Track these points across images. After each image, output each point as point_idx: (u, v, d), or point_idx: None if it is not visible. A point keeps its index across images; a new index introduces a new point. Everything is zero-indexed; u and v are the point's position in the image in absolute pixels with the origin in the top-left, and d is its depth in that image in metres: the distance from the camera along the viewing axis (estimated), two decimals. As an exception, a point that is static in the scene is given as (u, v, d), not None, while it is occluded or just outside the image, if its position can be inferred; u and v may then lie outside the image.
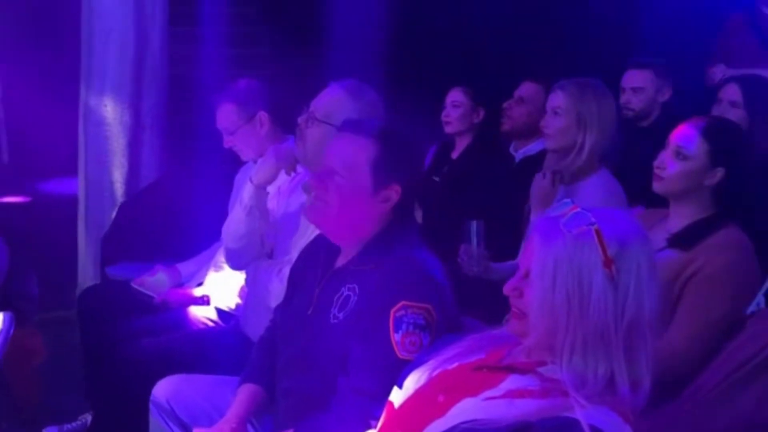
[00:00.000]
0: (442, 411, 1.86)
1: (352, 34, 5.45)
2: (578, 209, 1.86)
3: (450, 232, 3.52)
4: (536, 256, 1.85)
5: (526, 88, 4.46)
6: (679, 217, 3.00)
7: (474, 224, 3.37)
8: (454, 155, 4.49)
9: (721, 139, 2.97)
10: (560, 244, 1.83)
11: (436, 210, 4.15)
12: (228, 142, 3.70)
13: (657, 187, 3.03)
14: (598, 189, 3.43)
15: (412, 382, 2.00)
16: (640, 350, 1.84)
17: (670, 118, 4.04)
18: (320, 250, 2.60)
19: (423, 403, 1.92)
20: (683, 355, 2.81)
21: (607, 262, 1.80)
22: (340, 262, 2.51)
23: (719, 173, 2.93)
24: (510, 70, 4.95)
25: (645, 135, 4.32)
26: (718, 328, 2.83)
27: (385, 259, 2.40)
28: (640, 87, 4.55)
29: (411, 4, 5.77)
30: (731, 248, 2.91)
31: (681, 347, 2.81)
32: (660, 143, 3.08)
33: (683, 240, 2.94)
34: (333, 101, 3.12)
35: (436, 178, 4.48)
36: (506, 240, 3.54)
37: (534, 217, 3.43)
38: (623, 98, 4.57)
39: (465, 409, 1.84)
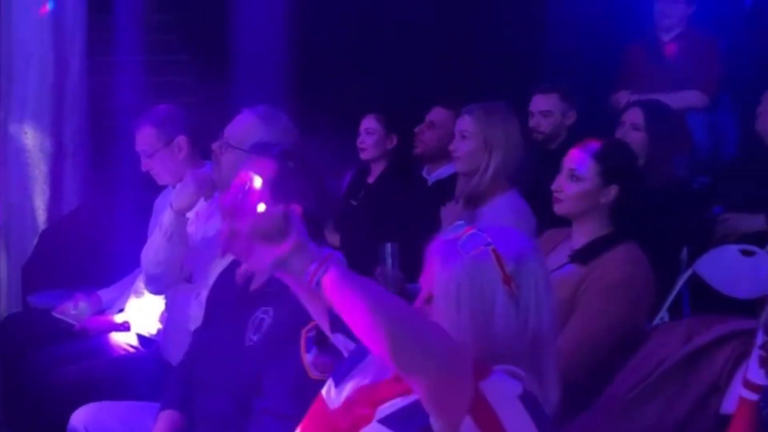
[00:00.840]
0: (367, 421, 1.85)
1: (269, 62, 5.46)
2: (473, 230, 1.86)
3: (367, 255, 3.53)
4: (437, 279, 1.85)
5: (436, 113, 4.50)
6: (581, 235, 3.08)
7: (389, 246, 3.38)
8: (370, 180, 4.52)
9: (612, 159, 3.06)
10: (459, 265, 1.82)
11: (353, 233, 4.17)
12: (146, 165, 3.66)
13: (557, 209, 3.11)
14: (506, 210, 3.48)
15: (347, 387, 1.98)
16: (545, 360, 1.87)
17: (575, 141, 4.11)
18: (233, 274, 2.59)
19: (351, 414, 1.90)
20: (577, 361, 2.86)
21: (507, 280, 1.81)
22: (255, 285, 2.50)
23: (613, 191, 3.02)
24: (422, 96, 5.00)
25: (553, 157, 4.39)
26: (611, 337, 2.90)
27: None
28: (548, 110, 4.62)
29: (325, 34, 5.81)
30: (627, 263, 2.99)
31: (575, 353, 2.86)
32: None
33: (583, 255, 3.02)
34: (245, 127, 3.14)
35: (354, 202, 4.50)
36: (421, 261, 3.56)
37: None
38: (533, 122, 4.64)
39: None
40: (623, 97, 5.18)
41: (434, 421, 1.72)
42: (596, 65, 5.64)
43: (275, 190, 2.41)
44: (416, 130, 4.45)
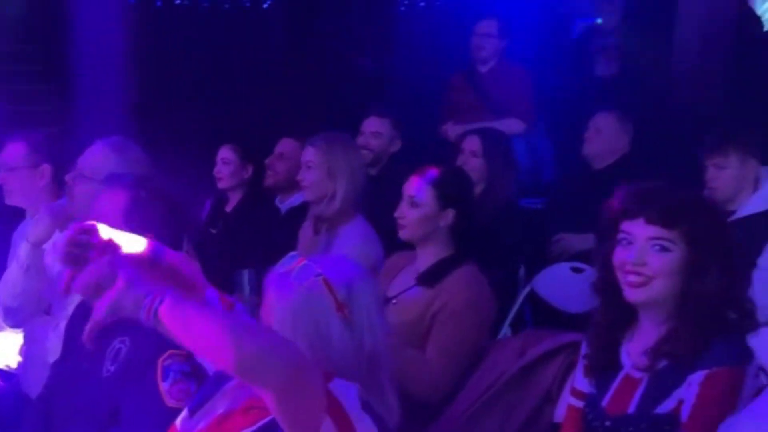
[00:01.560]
0: None
1: (126, 95, 5.41)
2: (305, 262, 1.90)
3: (226, 282, 3.54)
4: (273, 311, 1.88)
5: (285, 145, 4.51)
6: (425, 258, 3.17)
7: (245, 273, 3.39)
8: (228, 209, 4.51)
9: (447, 185, 3.17)
10: (293, 297, 1.86)
11: (212, 261, 4.15)
12: (2, 178, 3.54)
13: (402, 234, 3.20)
14: (354, 235, 3.53)
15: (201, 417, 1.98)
16: (382, 375, 1.91)
17: (394, 168, 4.21)
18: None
19: None
20: (441, 382, 2.96)
21: (340, 307, 1.86)
22: None
23: (450, 214, 3.12)
24: (274, 126, 5.03)
25: (375, 182, 4.49)
26: (466, 357, 3.00)
27: None
28: (378, 132, 4.67)
29: (182, 65, 5.79)
30: (470, 285, 3.09)
31: (438, 377, 2.95)
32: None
33: (428, 278, 3.11)
34: (98, 158, 3.10)
35: (213, 231, 4.48)
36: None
37: None
38: (361, 140, 4.63)
39: None
40: (450, 128, 5.32)
41: None
42: (431, 96, 5.79)
43: (128, 220, 2.42)
44: (267, 161, 4.46)
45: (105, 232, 1.77)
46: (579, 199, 4.67)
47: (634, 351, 2.31)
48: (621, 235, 2.28)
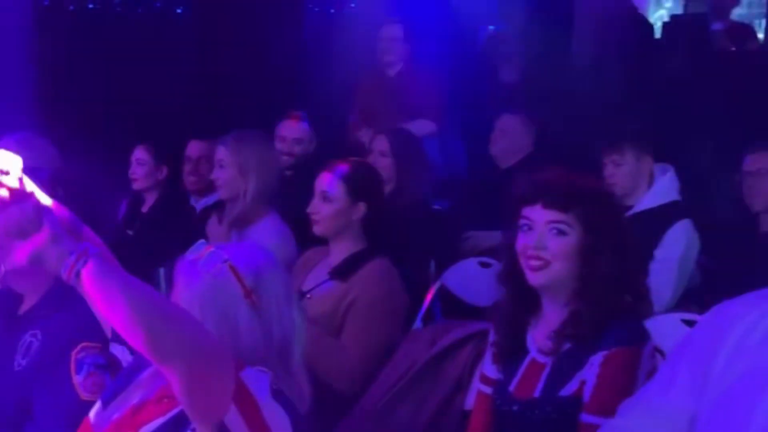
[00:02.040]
0: None
1: (38, 97, 5.28)
2: (212, 249, 1.86)
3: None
4: (182, 299, 1.84)
5: (193, 148, 4.42)
6: (338, 252, 3.17)
7: (162, 271, 3.35)
8: (144, 209, 4.43)
9: (357, 178, 3.17)
10: (201, 284, 1.82)
11: (129, 262, 4.06)
12: None
13: (316, 230, 3.19)
14: (268, 232, 3.51)
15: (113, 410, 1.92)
16: (293, 363, 1.88)
17: (309, 167, 4.20)
18: (2, 298, 2.46)
19: None
20: (357, 374, 2.96)
21: (248, 293, 1.82)
22: (24, 308, 2.39)
23: (362, 208, 3.13)
24: (190, 127, 4.97)
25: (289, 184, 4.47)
26: (380, 348, 3.00)
27: (66, 303, 2.33)
28: (300, 138, 4.63)
29: (96, 69, 5.69)
30: (382, 278, 3.10)
31: (353, 367, 2.95)
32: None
33: (341, 272, 3.11)
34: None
35: (130, 232, 4.39)
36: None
37: None
38: (284, 147, 4.59)
39: None
40: (365, 135, 5.25)
41: (198, 425, 1.71)
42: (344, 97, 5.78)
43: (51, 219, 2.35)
44: (187, 167, 4.36)
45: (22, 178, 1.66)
46: (486, 197, 4.74)
47: (538, 336, 2.34)
48: (522, 221, 2.32)
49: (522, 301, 2.39)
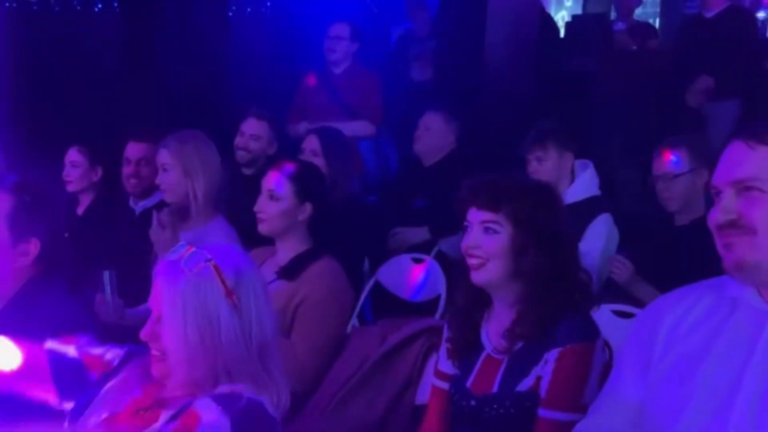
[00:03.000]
0: None
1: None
2: (194, 249, 1.86)
3: (82, 285, 3.41)
4: (164, 299, 1.83)
5: (133, 149, 4.28)
6: (284, 252, 3.17)
7: (107, 274, 3.30)
8: (80, 211, 4.33)
9: (304, 179, 3.19)
10: (183, 283, 1.81)
11: (65, 264, 3.97)
12: None
13: (261, 228, 3.18)
14: (216, 234, 3.48)
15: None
16: (273, 365, 1.89)
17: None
18: None
19: None
20: (308, 371, 2.97)
21: (229, 293, 1.82)
22: None
23: (308, 208, 3.14)
24: (125, 128, 4.89)
25: (249, 183, 4.45)
26: (330, 346, 3.03)
27: (33, 312, 2.30)
28: (258, 135, 4.60)
29: (27, 63, 5.53)
30: (328, 277, 3.12)
31: (303, 366, 2.96)
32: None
33: (289, 271, 3.12)
34: None
35: (66, 234, 4.27)
36: (137, 285, 3.50)
37: None
38: (240, 142, 4.60)
39: None
40: (302, 127, 5.30)
41: None
42: (278, 96, 5.77)
43: (13, 225, 2.31)
44: (124, 170, 4.30)
45: None
46: (412, 194, 4.81)
47: (492, 333, 2.41)
48: (465, 223, 2.40)
49: (474, 299, 2.45)
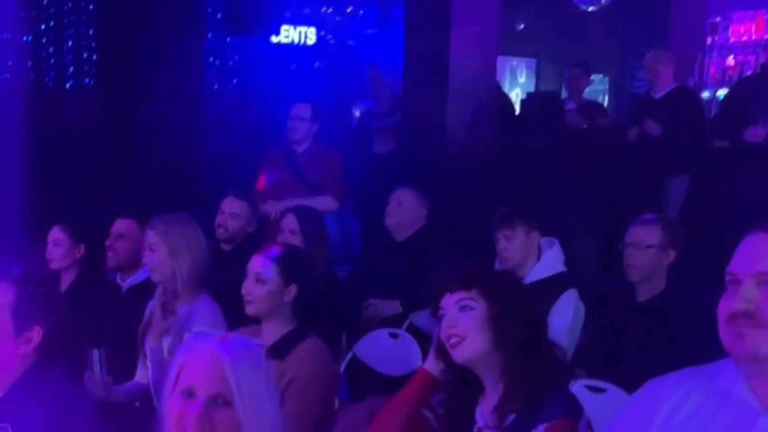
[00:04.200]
0: None
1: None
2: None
3: (72, 361, 3.42)
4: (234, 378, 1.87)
5: (121, 225, 4.42)
6: (270, 332, 3.22)
7: (96, 353, 3.31)
8: (62, 289, 4.33)
9: (289, 262, 3.26)
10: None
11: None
12: None
13: (248, 310, 3.24)
14: (202, 314, 3.50)
15: None
16: None
17: (249, 246, 4.29)
18: None
19: None
20: None
21: None
22: None
23: (293, 289, 3.21)
24: (106, 206, 4.93)
25: (229, 258, 4.52)
26: (318, 424, 3.08)
27: (34, 398, 2.34)
28: (236, 213, 4.72)
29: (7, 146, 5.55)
30: (315, 356, 3.18)
31: None
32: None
33: (277, 351, 3.15)
34: None
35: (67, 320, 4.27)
36: (123, 362, 3.54)
37: (152, 343, 3.47)
38: (219, 219, 4.71)
39: None
40: (270, 206, 5.40)
41: None
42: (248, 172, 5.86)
43: (17, 315, 2.36)
44: (107, 243, 4.35)
45: None
46: (384, 268, 4.89)
47: (485, 409, 2.49)
48: (440, 312, 2.51)
49: (462, 378, 2.55)
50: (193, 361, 1.90)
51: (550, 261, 4.22)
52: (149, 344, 3.48)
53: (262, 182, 5.70)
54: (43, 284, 2.50)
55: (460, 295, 2.45)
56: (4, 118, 5.59)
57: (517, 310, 2.44)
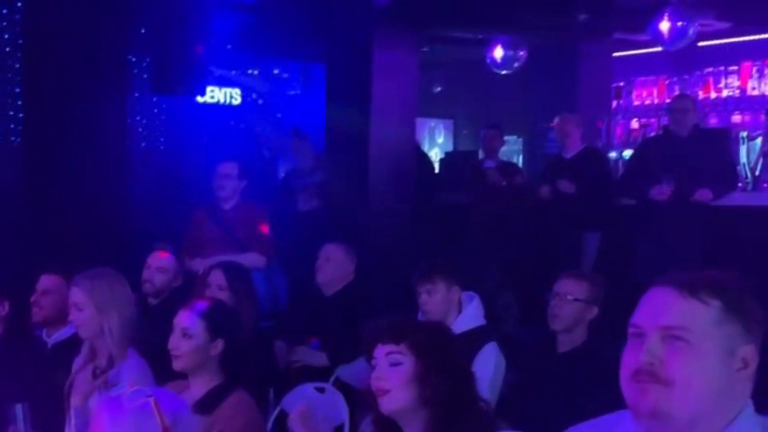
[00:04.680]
0: None
1: None
2: (136, 387, 1.96)
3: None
4: None
5: (46, 281, 4.31)
6: (197, 387, 3.19)
7: (19, 408, 3.20)
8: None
9: (216, 316, 3.25)
10: (125, 416, 1.88)
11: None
12: None
13: (176, 365, 3.20)
14: (129, 367, 3.42)
15: None
16: None
17: (178, 299, 4.24)
18: None
19: None
20: None
21: (165, 429, 1.89)
22: None
23: (220, 344, 3.19)
24: (31, 262, 4.84)
25: (155, 312, 4.47)
26: None
27: None
28: (164, 267, 4.70)
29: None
30: (243, 411, 3.15)
31: None
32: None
33: (204, 406, 3.11)
34: None
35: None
36: (50, 418, 3.43)
37: (78, 403, 3.37)
38: (147, 274, 4.71)
39: None
40: (198, 262, 5.37)
41: None
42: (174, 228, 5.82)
43: None
44: (32, 299, 4.24)
45: None
46: (311, 322, 4.88)
47: None
48: (373, 362, 2.53)
49: (390, 429, 2.55)
50: None
51: (470, 314, 4.26)
52: (74, 404, 3.38)
53: (188, 238, 5.66)
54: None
55: (390, 347, 2.47)
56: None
57: (445, 364, 2.46)
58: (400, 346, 2.47)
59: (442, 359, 2.47)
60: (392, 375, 2.45)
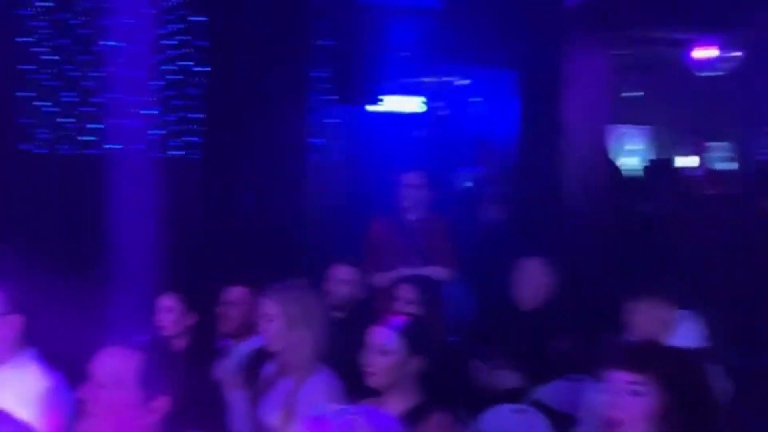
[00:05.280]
0: None
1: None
2: (339, 406, 2.03)
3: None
4: None
5: (234, 292, 4.34)
6: (394, 404, 3.08)
7: None
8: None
9: (414, 332, 3.14)
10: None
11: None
12: None
13: (370, 382, 3.12)
14: (320, 385, 3.36)
15: None
16: None
17: (363, 312, 4.17)
18: None
19: None
20: None
21: None
22: None
23: (418, 361, 3.09)
24: (218, 274, 4.90)
25: (341, 326, 4.38)
26: None
27: None
28: (346, 279, 4.66)
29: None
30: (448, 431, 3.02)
31: None
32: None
33: (407, 425, 2.96)
34: None
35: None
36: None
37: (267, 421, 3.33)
38: (330, 286, 4.64)
39: None
40: (382, 276, 5.23)
41: None
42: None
43: (145, 382, 2.28)
44: (218, 311, 4.28)
45: None
46: (505, 339, 4.66)
47: None
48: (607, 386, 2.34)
49: None
50: None
51: (685, 334, 3.99)
52: (263, 417, 3.33)
53: (368, 250, 5.57)
54: (165, 352, 2.41)
55: (632, 376, 2.29)
56: (135, 188, 5.64)
57: (693, 400, 2.27)
58: (644, 375, 2.28)
59: (691, 393, 2.28)
60: (632, 405, 2.28)
